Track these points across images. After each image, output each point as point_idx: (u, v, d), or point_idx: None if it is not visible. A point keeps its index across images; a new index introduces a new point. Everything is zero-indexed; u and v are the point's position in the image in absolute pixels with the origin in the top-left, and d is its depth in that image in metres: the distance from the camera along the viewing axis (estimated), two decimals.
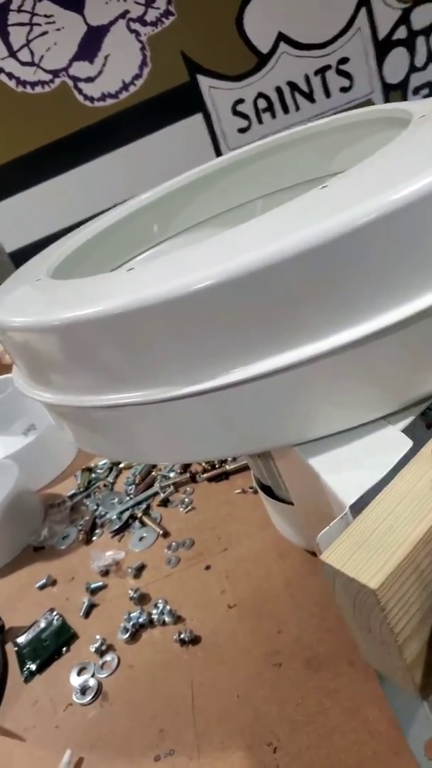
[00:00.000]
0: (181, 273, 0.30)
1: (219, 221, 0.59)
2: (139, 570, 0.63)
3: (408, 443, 0.30)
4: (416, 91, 1.53)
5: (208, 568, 0.60)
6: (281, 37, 1.37)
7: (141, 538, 0.68)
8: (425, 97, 1.57)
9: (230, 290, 0.29)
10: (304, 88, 1.45)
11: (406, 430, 0.31)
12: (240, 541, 0.62)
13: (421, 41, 1.48)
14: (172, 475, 0.75)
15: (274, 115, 1.46)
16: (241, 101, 1.43)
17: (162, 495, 0.72)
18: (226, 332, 0.30)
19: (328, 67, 1.43)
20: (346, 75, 1.46)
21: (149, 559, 0.64)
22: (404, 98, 1.53)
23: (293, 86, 1.44)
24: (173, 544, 0.65)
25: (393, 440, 0.31)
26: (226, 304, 0.29)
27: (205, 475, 0.72)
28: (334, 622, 0.50)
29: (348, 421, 0.32)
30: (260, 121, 1.45)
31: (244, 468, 0.71)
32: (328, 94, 1.47)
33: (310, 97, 1.46)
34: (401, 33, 1.43)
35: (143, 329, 0.31)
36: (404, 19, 1.42)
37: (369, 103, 1.52)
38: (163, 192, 0.59)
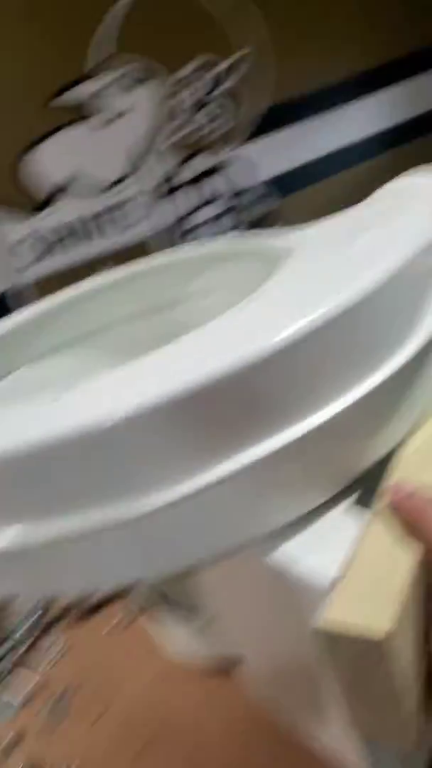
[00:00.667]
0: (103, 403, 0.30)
1: (77, 346, 0.60)
2: (15, 743, 0.54)
3: (353, 520, 0.33)
4: (185, 234, 1.75)
5: (100, 717, 0.54)
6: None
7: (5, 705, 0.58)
8: (203, 237, 1.79)
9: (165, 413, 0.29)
10: (81, 229, 1.56)
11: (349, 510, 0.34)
12: (129, 678, 0.57)
13: (197, 187, 1.71)
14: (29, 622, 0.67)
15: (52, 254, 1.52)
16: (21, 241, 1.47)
17: (22, 647, 0.64)
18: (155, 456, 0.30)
19: (108, 209, 1.57)
20: (123, 217, 1.61)
21: (26, 726, 0.55)
22: (183, 241, 1.73)
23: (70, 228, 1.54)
24: (50, 700, 0.57)
25: (337, 521, 0.33)
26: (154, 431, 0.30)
27: (74, 612, 0.65)
28: (257, 732, 0.48)
29: (293, 512, 0.34)
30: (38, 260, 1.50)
31: (113, 597, 0.66)
32: (104, 235, 1.59)
33: (88, 236, 1.57)
34: (183, 177, 1.65)
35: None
36: (184, 164, 1.64)
37: (146, 245, 1.68)
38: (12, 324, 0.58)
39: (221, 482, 0.30)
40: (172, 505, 0.31)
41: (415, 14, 2.60)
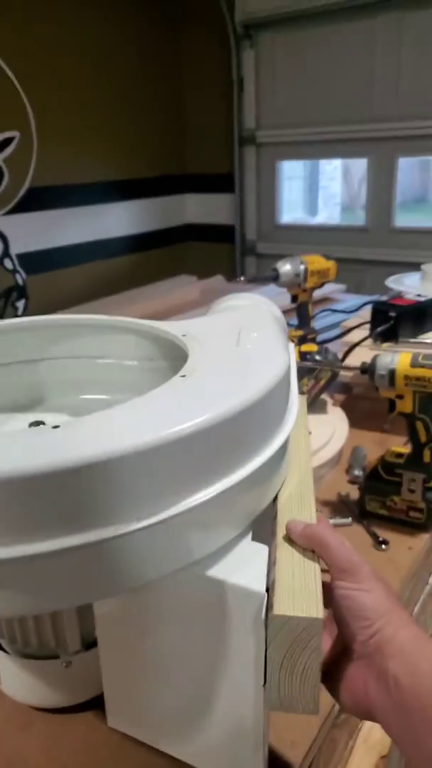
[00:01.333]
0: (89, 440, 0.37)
1: None
2: None
3: (262, 545, 0.44)
4: None
5: None
6: None
7: None
8: None
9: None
10: None
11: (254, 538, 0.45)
12: None
13: None
14: None
15: None
16: None
17: None
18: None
19: None
20: None
21: None
22: None
23: None
24: None
25: (251, 546, 0.44)
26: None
27: None
28: (111, 762, 0.52)
29: (220, 541, 0.43)
30: None
31: None
32: None
33: None
34: None
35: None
36: None
37: None
38: None
39: (170, 519, 0.39)
40: (144, 529, 0.38)
41: (171, 145, 3.04)
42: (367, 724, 0.62)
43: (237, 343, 0.55)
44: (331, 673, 0.41)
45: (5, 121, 2.25)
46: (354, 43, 2.59)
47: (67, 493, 0.36)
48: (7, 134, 2.26)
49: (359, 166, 3.27)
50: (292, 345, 0.66)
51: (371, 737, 0.62)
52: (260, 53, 2.86)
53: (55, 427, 0.39)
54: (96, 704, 0.56)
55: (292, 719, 0.54)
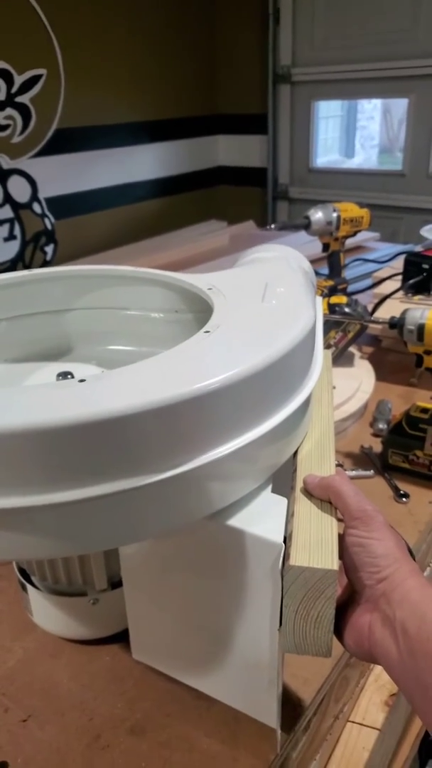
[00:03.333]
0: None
1: None
2: None
3: (281, 498, 0.46)
4: None
5: None
6: None
7: None
8: None
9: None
10: None
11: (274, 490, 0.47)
12: (0, 658, 0.59)
13: None
14: None
15: None
16: None
17: None
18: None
19: None
20: None
21: None
22: None
23: None
24: None
25: (270, 498, 0.46)
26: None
27: None
28: (135, 690, 0.56)
29: (240, 493, 0.45)
30: None
31: None
32: None
33: None
34: None
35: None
36: None
37: None
38: None
39: (192, 471, 0.40)
40: (167, 480, 0.40)
41: (202, 84, 2.93)
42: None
43: (263, 298, 0.55)
44: (337, 616, 0.43)
45: (32, 57, 2.19)
46: None
47: (95, 445, 0.37)
48: (35, 72, 2.21)
49: (400, 105, 3.13)
50: (319, 299, 0.66)
51: (383, 676, 0.65)
52: None
53: (81, 380, 0.41)
54: (121, 638, 0.59)
55: (305, 659, 0.57)
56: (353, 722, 0.62)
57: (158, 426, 0.39)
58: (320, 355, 0.55)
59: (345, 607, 0.43)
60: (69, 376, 0.57)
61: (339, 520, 0.44)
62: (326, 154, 3.29)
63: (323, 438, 0.53)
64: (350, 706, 0.63)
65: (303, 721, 0.54)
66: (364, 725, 0.62)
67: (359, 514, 0.43)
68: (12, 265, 2.28)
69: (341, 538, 0.43)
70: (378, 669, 0.66)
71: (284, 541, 0.42)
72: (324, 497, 0.45)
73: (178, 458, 0.40)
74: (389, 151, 3.59)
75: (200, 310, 0.62)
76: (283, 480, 0.50)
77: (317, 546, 0.41)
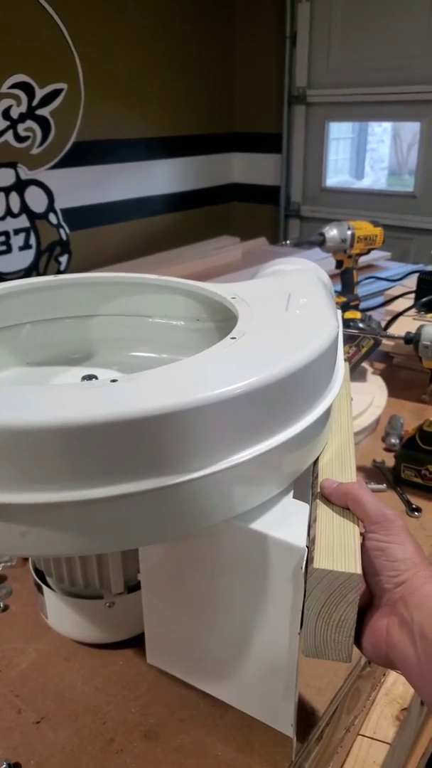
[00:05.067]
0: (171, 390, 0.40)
1: None
2: None
3: (303, 503, 0.46)
4: None
5: None
6: None
7: None
8: None
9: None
10: None
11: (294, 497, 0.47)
12: (14, 659, 0.59)
13: None
14: None
15: None
16: None
17: None
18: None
19: None
20: None
21: None
22: None
23: None
24: None
25: (292, 503, 0.46)
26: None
27: None
28: (149, 694, 0.56)
29: (262, 497, 0.46)
30: None
31: None
32: None
33: None
34: None
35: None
36: None
37: None
38: None
39: (217, 473, 0.41)
40: (192, 481, 0.40)
41: (219, 103, 2.97)
42: (390, 678, 0.65)
43: (286, 308, 0.56)
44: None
45: (54, 72, 2.23)
46: None
47: (124, 444, 0.38)
48: (56, 86, 2.25)
49: (409, 129, 3.16)
50: (339, 312, 0.67)
51: (393, 690, 0.64)
52: (316, 5, 2.76)
53: (113, 381, 0.41)
54: (136, 642, 0.59)
55: (319, 669, 0.57)
56: (364, 736, 0.62)
57: (186, 428, 0.39)
58: (342, 365, 0.56)
59: (363, 612, 0.43)
60: (93, 380, 0.58)
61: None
62: (336, 174, 3.32)
63: (344, 446, 0.53)
64: (361, 719, 0.63)
65: (316, 731, 0.54)
66: (375, 739, 0.62)
67: (379, 518, 0.43)
68: (26, 274, 2.31)
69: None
70: (389, 683, 0.66)
71: (306, 546, 0.42)
72: (342, 503, 0.46)
73: (203, 460, 0.41)
74: (398, 174, 3.63)
75: (222, 319, 0.63)
76: (304, 487, 0.50)
77: (341, 550, 0.41)
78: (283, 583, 0.43)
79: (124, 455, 0.38)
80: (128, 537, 0.41)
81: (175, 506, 0.41)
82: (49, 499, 0.38)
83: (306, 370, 0.45)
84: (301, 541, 0.42)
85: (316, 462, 0.51)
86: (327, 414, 0.51)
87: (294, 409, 0.46)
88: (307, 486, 0.50)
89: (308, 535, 0.43)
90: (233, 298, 0.58)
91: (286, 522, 0.44)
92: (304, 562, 0.41)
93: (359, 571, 0.39)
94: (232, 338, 0.49)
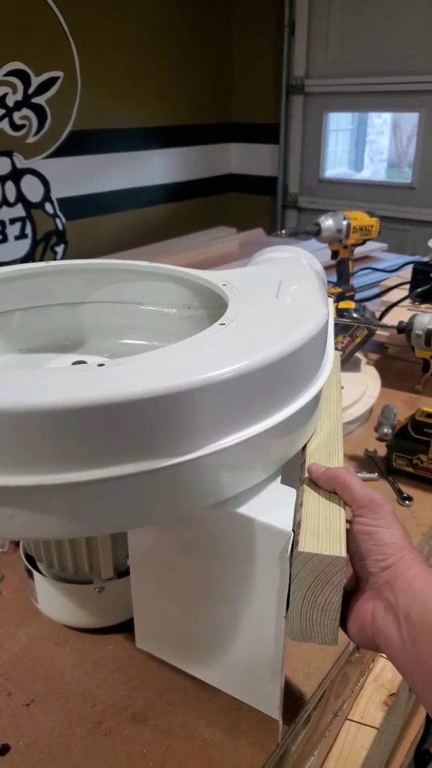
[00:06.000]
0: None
1: None
2: None
3: (290, 488, 0.46)
4: None
5: None
6: None
7: None
8: None
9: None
10: None
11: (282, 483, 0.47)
12: (4, 644, 0.60)
13: None
14: None
15: None
16: None
17: None
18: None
19: None
20: None
21: None
22: None
23: None
24: None
25: (280, 488, 0.47)
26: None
27: None
28: (138, 678, 0.56)
29: (250, 482, 0.46)
30: None
31: None
32: None
33: None
34: None
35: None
36: None
37: None
38: None
39: (204, 457, 0.41)
40: (179, 465, 0.40)
41: (216, 93, 2.95)
42: (379, 664, 0.65)
43: (277, 294, 0.56)
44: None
45: (50, 60, 2.22)
46: None
47: (110, 427, 0.38)
48: (52, 74, 2.24)
49: (409, 121, 3.14)
50: (330, 300, 0.67)
51: (382, 676, 0.65)
52: None
53: (100, 365, 0.41)
54: (125, 628, 0.60)
55: (307, 654, 0.58)
56: (352, 720, 0.63)
57: (173, 411, 0.39)
58: (332, 353, 0.56)
59: (349, 596, 0.43)
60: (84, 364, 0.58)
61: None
62: (335, 166, 3.31)
63: (332, 434, 0.54)
64: (349, 704, 0.63)
65: (303, 714, 0.54)
66: (363, 724, 0.62)
67: (366, 502, 0.43)
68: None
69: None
70: (377, 669, 0.66)
71: (293, 530, 0.42)
72: (329, 487, 0.46)
73: (191, 444, 0.41)
74: (397, 166, 3.61)
75: (213, 307, 0.63)
76: (292, 473, 0.50)
77: (326, 534, 0.41)
78: (270, 567, 0.43)
79: (111, 438, 0.38)
80: (116, 520, 0.42)
81: (163, 490, 0.41)
82: (36, 481, 0.38)
83: (294, 356, 0.46)
84: (287, 525, 0.42)
85: (304, 448, 0.52)
86: (316, 401, 0.51)
87: (282, 395, 0.46)
88: (296, 472, 0.51)
89: (295, 519, 0.43)
90: (224, 285, 0.58)
91: (273, 507, 0.44)
92: (290, 546, 0.41)
93: (344, 554, 0.40)
94: (222, 324, 0.49)
